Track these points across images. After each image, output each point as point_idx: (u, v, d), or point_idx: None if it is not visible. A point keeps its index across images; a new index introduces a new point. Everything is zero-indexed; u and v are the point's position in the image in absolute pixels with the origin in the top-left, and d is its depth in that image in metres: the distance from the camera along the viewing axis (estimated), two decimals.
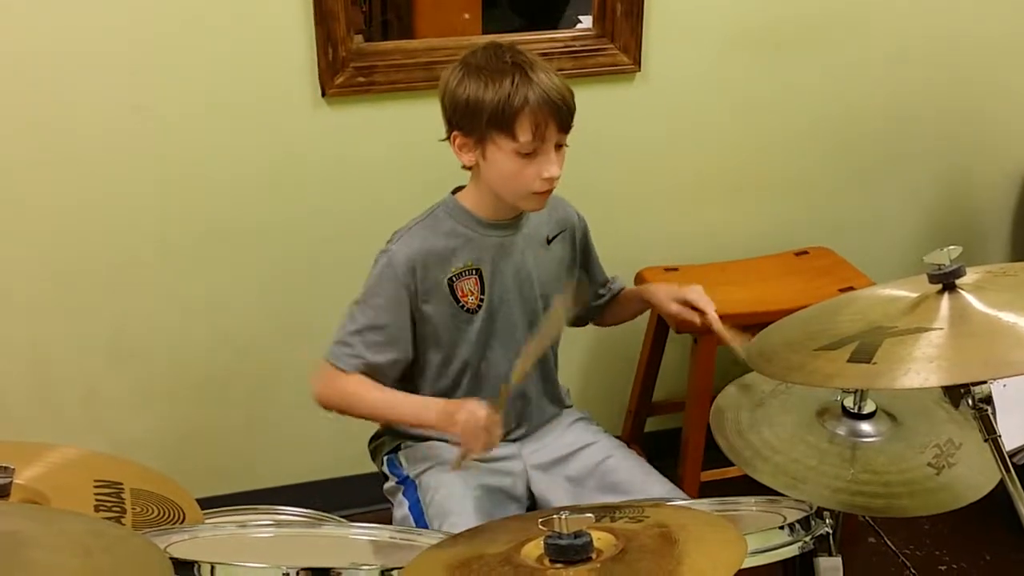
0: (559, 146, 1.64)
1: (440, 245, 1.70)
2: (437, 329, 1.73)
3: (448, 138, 1.68)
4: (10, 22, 1.99)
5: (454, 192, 1.76)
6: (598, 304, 1.98)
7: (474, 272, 1.72)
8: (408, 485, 1.78)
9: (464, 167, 1.71)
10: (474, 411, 1.58)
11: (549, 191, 1.66)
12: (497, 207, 1.72)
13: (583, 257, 1.89)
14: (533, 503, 1.81)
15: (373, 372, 1.70)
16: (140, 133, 2.11)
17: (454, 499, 1.69)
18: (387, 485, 1.84)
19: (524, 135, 1.59)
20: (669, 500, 1.69)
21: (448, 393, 1.77)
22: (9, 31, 1.99)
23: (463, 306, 1.73)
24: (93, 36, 2.03)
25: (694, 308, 1.79)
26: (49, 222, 2.14)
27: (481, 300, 1.73)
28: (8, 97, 2.04)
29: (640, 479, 1.76)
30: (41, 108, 2.06)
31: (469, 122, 1.63)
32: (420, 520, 1.71)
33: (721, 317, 2.18)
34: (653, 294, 1.88)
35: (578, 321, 1.99)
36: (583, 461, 1.81)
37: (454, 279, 1.71)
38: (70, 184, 2.12)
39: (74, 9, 2.00)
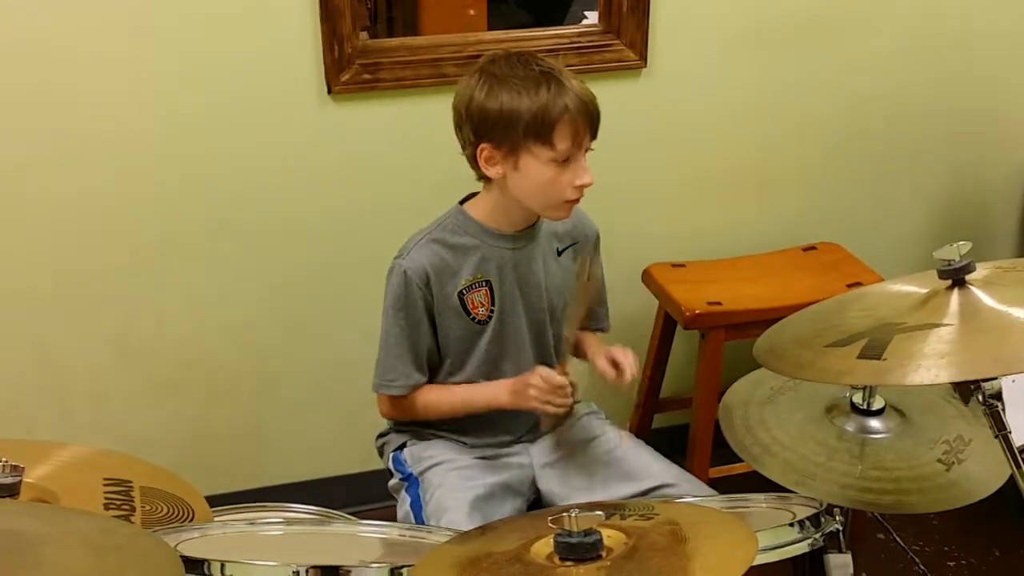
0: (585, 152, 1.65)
1: (450, 258, 1.71)
2: (448, 339, 1.74)
3: (473, 152, 1.65)
4: (13, 23, 1.99)
5: (462, 202, 1.75)
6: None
7: (484, 284, 1.72)
8: (411, 482, 1.78)
9: (481, 178, 1.69)
10: (546, 378, 1.65)
11: (578, 199, 1.66)
12: (513, 218, 1.71)
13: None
14: (538, 499, 1.82)
15: (423, 377, 1.75)
16: (146, 131, 2.11)
17: (452, 497, 1.69)
18: (392, 482, 1.85)
19: (563, 143, 1.59)
20: (674, 484, 1.71)
21: None
22: (12, 32, 1.99)
23: (473, 318, 1.73)
24: (97, 34, 2.03)
25: (616, 365, 1.74)
26: (56, 221, 2.14)
27: (491, 312, 1.73)
28: (14, 96, 2.04)
29: (650, 466, 1.76)
30: (46, 106, 2.06)
31: (502, 132, 1.60)
32: (419, 517, 1.72)
33: (729, 314, 2.20)
34: (588, 346, 1.84)
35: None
36: (592, 452, 1.81)
37: (464, 292, 1.71)
38: (76, 183, 2.12)
39: (77, 7, 2.00)
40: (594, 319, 1.89)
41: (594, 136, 1.64)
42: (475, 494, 1.70)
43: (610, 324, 1.94)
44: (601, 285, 1.90)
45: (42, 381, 2.25)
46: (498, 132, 1.61)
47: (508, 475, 1.78)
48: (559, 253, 1.80)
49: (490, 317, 1.74)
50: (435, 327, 1.73)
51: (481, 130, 1.63)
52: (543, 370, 1.67)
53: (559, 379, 1.66)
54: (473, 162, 1.67)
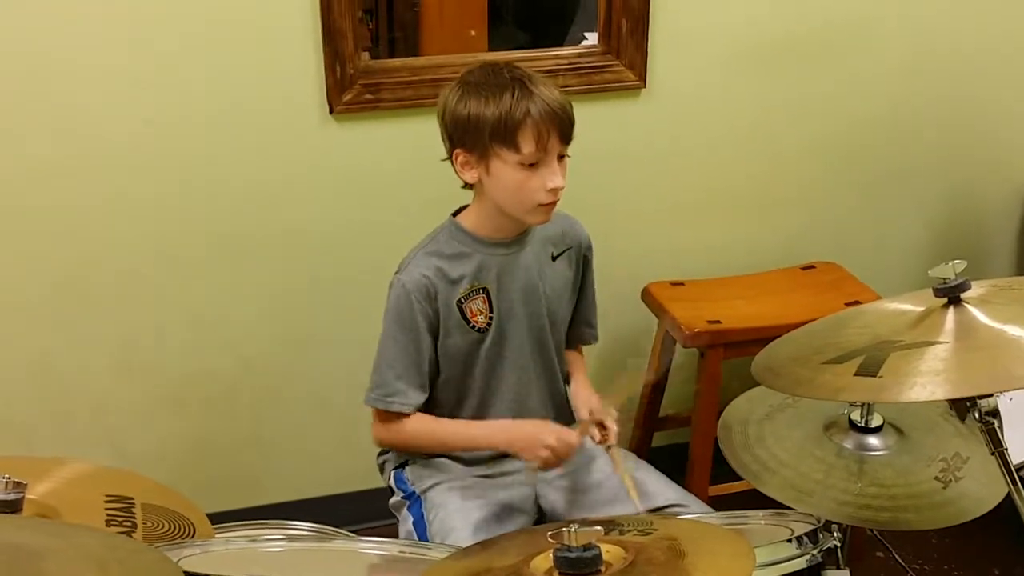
0: (561, 157, 1.66)
1: (447, 268, 1.72)
2: (450, 350, 1.75)
3: (450, 157, 1.70)
4: (21, 35, 2.01)
5: (454, 215, 1.77)
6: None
7: (481, 291, 1.74)
8: (414, 500, 1.79)
9: (465, 185, 1.72)
10: (565, 440, 1.66)
11: (554, 203, 1.67)
12: (500, 224, 1.73)
13: (580, 281, 1.88)
14: (541, 517, 1.82)
15: (421, 396, 1.75)
16: (149, 147, 2.13)
17: (457, 516, 1.70)
18: (393, 500, 1.85)
19: (527, 146, 1.61)
20: (682, 505, 1.72)
21: (453, 410, 1.79)
22: (19, 43, 2.01)
23: (473, 326, 1.74)
24: (98, 49, 2.05)
25: (601, 425, 1.75)
26: (56, 235, 2.16)
27: (490, 319, 1.75)
28: (18, 110, 2.06)
29: (652, 487, 1.76)
30: (46, 122, 2.08)
31: (472, 138, 1.64)
32: (423, 536, 1.72)
33: (728, 332, 2.21)
34: (576, 393, 1.88)
35: None
36: (594, 474, 1.81)
37: (463, 300, 1.73)
38: (76, 197, 2.14)
39: (86, 24, 2.02)
40: (587, 333, 1.93)
41: (564, 141, 1.65)
42: (480, 514, 1.70)
43: (598, 336, 1.95)
44: (592, 297, 1.92)
45: (41, 395, 2.26)
46: (468, 137, 1.65)
47: (510, 494, 1.78)
48: (554, 259, 1.81)
49: (489, 325, 1.75)
50: (436, 342, 1.74)
51: (455, 136, 1.68)
52: (561, 432, 1.67)
53: (575, 440, 1.67)
54: (454, 168, 1.70)
